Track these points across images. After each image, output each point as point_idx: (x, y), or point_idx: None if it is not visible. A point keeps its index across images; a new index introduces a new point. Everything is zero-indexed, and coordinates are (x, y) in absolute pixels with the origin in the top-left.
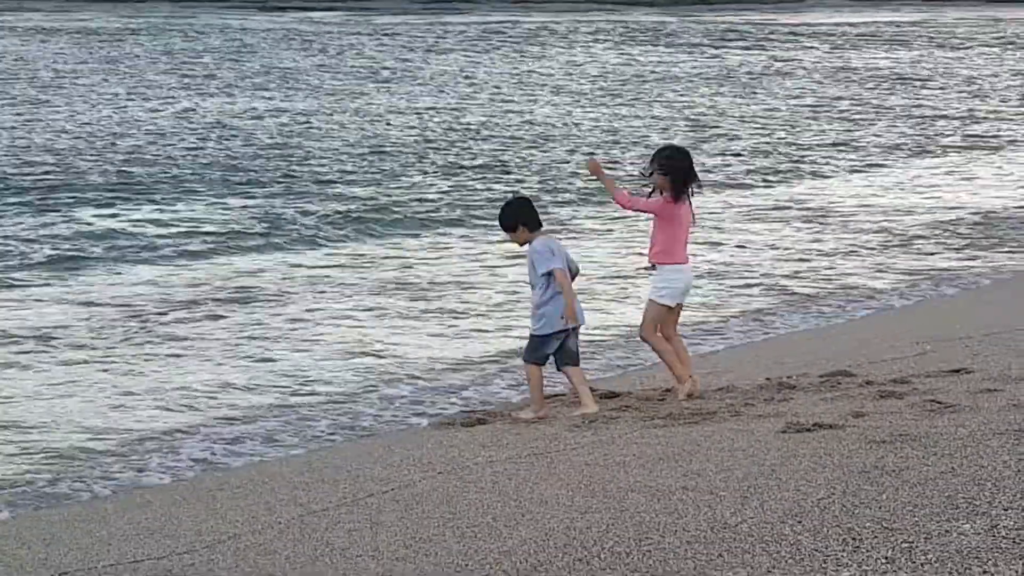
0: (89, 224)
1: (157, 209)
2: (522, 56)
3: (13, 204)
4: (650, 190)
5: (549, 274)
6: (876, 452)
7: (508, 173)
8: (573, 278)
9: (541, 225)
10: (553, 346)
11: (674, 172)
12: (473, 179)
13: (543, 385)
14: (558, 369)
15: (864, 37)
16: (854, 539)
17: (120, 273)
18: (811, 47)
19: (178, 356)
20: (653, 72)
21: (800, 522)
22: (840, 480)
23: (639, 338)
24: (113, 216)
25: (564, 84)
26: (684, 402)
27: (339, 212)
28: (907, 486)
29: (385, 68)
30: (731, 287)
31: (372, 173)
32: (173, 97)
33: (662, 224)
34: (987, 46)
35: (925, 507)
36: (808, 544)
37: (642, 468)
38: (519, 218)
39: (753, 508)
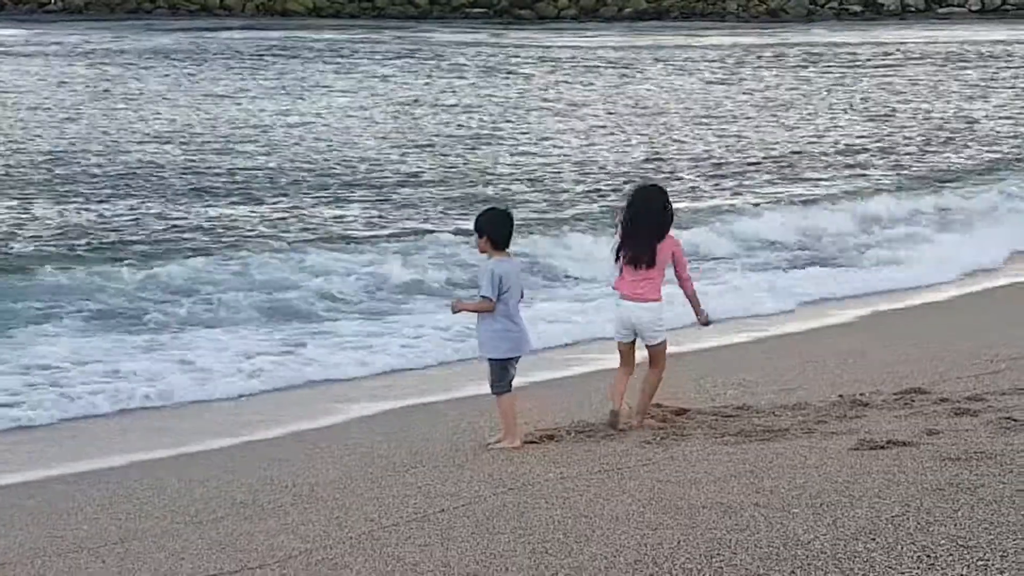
0: None
1: None
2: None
3: None
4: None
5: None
6: (950, 469)
7: None
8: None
9: (506, 247)
10: (514, 369)
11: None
12: None
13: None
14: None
15: None
16: (928, 556)
17: None
18: None
19: None
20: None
21: (874, 539)
22: (914, 497)
23: None
24: None
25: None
26: (755, 419)
27: None
28: (982, 503)
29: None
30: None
31: None
32: None
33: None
34: None
35: (1001, 525)
36: (882, 561)
37: (713, 485)
38: (486, 229)
39: (826, 525)
